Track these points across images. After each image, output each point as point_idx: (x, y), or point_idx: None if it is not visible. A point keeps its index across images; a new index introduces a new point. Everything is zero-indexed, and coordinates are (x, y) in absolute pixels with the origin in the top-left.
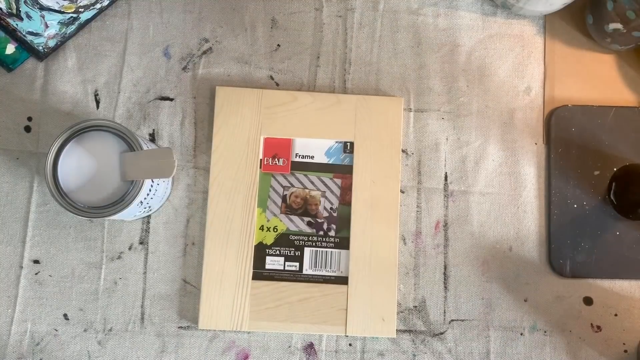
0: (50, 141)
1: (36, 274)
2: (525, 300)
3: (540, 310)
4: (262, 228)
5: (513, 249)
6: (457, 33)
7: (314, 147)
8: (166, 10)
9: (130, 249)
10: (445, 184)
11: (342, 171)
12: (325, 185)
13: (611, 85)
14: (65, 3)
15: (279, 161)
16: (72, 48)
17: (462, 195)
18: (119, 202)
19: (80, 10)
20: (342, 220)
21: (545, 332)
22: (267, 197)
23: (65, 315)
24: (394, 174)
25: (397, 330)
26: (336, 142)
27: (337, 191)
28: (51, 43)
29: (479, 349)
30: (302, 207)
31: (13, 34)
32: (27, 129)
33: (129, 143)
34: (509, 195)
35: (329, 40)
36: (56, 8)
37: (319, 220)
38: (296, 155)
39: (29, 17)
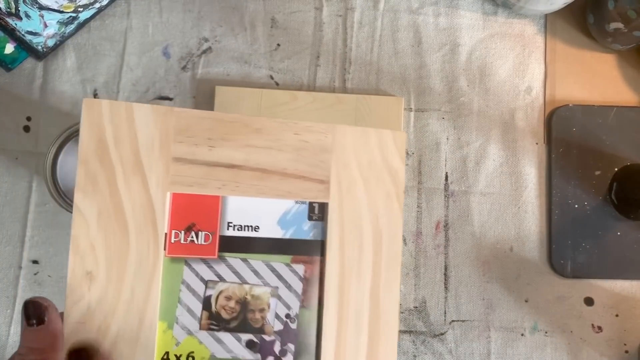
0: (50, 141)
1: (35, 274)
2: (526, 301)
3: (541, 310)
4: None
5: (514, 249)
6: (458, 32)
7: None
8: (165, 9)
9: None
10: (446, 184)
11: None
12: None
13: (612, 85)
14: (64, 2)
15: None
16: (71, 47)
17: (463, 195)
18: None
19: (79, 9)
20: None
21: (546, 332)
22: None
23: None
24: None
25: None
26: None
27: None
28: (50, 42)
29: (479, 350)
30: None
31: (12, 34)
32: (26, 128)
33: None
34: (510, 195)
35: (329, 39)
36: (55, 7)
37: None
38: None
39: (28, 16)
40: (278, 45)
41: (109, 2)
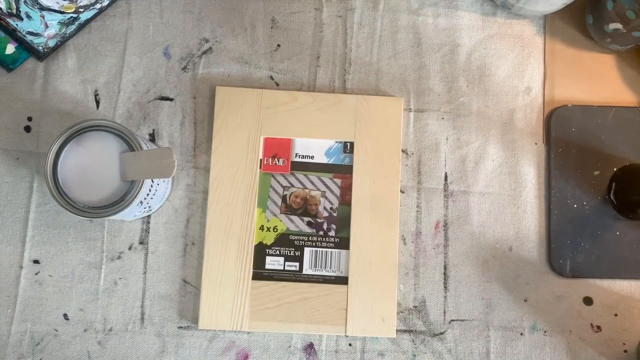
0: (50, 141)
1: (36, 274)
2: (525, 300)
3: (540, 310)
4: (262, 228)
5: (513, 249)
6: (457, 33)
7: (314, 147)
8: (166, 10)
9: (130, 249)
10: (445, 184)
11: (342, 171)
12: (325, 185)
13: (611, 85)
14: (65, 3)
15: (279, 161)
16: (72, 48)
17: (462, 195)
18: (119, 202)
19: (80, 10)
20: (342, 220)
21: (545, 332)
22: (267, 197)
23: (65, 315)
24: (394, 174)
25: (397, 330)
26: (336, 142)
27: (337, 191)
28: (51, 43)
29: (479, 349)
30: (302, 207)
31: (13, 34)
32: (27, 129)
33: (129, 143)
34: (509, 195)
35: (329, 40)
36: (56, 8)
37: (319, 220)
38: (296, 155)
39: (28, 17)
40: (278, 45)
41: (109, 2)
